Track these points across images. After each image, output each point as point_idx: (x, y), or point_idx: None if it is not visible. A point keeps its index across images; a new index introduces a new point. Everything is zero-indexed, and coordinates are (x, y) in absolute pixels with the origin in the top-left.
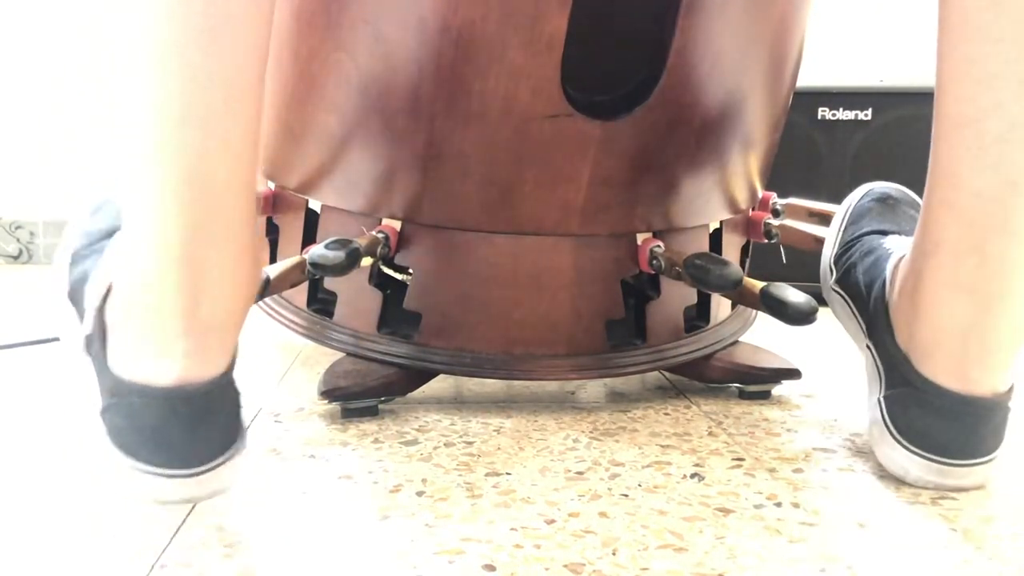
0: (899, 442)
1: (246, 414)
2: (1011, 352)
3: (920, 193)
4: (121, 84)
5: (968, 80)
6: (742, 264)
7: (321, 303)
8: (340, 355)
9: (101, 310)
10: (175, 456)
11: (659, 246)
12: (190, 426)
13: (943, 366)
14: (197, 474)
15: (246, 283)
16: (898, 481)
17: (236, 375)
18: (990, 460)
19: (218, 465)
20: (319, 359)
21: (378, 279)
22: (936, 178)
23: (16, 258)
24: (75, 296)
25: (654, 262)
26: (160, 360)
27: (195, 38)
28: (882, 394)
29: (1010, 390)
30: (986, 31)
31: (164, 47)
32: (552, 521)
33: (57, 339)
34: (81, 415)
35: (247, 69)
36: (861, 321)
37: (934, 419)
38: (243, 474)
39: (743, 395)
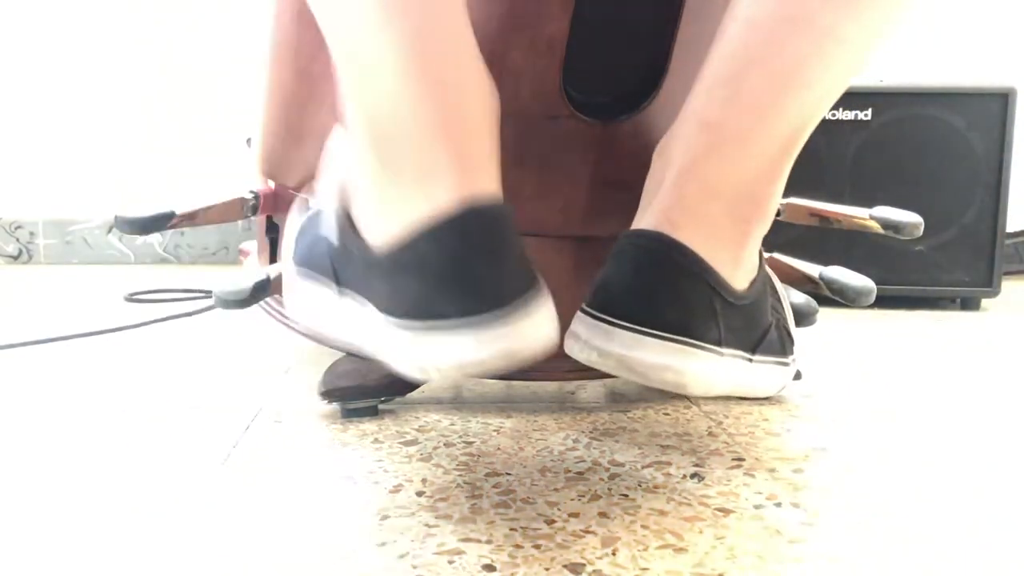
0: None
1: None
2: (739, 209)
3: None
4: None
5: None
6: None
7: None
8: (340, 355)
9: (346, 214)
10: (483, 292)
11: None
12: (490, 249)
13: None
14: (509, 314)
15: (490, 94)
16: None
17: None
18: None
19: (530, 301)
20: (319, 359)
21: None
22: (723, 18)
23: (16, 258)
24: (311, 254)
25: None
26: (438, 190)
27: None
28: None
29: (753, 287)
30: None
31: None
32: (552, 521)
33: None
34: (81, 415)
35: None
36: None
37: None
38: (553, 332)
39: None
